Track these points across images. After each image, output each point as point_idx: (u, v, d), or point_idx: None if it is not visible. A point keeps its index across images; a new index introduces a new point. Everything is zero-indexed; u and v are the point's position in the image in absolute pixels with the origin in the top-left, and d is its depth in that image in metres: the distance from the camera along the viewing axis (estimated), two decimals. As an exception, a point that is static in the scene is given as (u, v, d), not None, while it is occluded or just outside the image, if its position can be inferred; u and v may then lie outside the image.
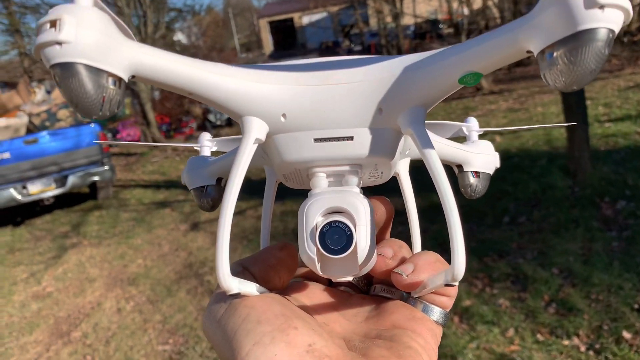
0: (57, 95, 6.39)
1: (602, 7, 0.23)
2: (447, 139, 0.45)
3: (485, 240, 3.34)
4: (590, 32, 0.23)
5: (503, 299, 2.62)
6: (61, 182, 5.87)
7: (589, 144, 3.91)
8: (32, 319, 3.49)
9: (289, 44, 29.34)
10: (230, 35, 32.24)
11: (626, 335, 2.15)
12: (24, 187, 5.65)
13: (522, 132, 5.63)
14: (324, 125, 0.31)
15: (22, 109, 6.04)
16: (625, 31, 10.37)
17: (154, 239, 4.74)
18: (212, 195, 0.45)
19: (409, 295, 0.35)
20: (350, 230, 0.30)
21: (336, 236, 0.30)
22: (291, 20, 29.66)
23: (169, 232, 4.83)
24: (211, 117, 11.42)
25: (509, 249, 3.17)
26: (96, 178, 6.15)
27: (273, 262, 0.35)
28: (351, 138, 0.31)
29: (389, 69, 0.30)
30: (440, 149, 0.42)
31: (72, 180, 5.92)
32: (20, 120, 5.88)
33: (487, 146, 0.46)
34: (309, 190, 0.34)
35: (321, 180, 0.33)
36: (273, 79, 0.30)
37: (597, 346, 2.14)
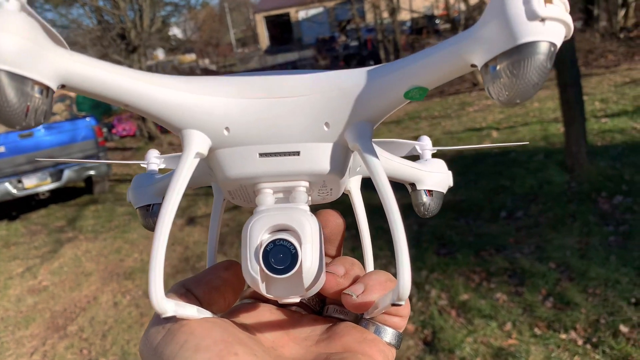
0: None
1: (543, 20, 0.23)
2: (401, 157, 0.44)
3: (482, 234, 3.34)
4: (532, 45, 0.23)
5: (500, 293, 2.62)
6: (57, 176, 5.85)
7: (586, 140, 3.91)
8: (28, 313, 3.48)
9: (285, 39, 29.25)
10: (226, 30, 32.13)
11: (623, 329, 2.16)
12: (20, 181, 5.62)
13: (520, 127, 5.64)
14: (269, 139, 0.30)
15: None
16: (622, 27, 10.39)
17: (150, 233, 4.61)
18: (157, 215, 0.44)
19: (362, 316, 0.35)
20: (295, 248, 0.29)
21: (280, 255, 0.29)
22: (287, 15, 29.57)
23: (165, 226, 4.81)
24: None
25: (506, 243, 3.18)
26: (92, 172, 6.14)
27: (217, 283, 0.33)
28: (297, 153, 0.30)
29: (335, 83, 0.30)
30: (393, 167, 0.42)
31: (67, 174, 5.90)
32: (15, 114, 5.82)
33: (441, 165, 0.45)
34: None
35: (267, 197, 0.32)
36: (215, 90, 0.29)
37: (595, 340, 2.14)
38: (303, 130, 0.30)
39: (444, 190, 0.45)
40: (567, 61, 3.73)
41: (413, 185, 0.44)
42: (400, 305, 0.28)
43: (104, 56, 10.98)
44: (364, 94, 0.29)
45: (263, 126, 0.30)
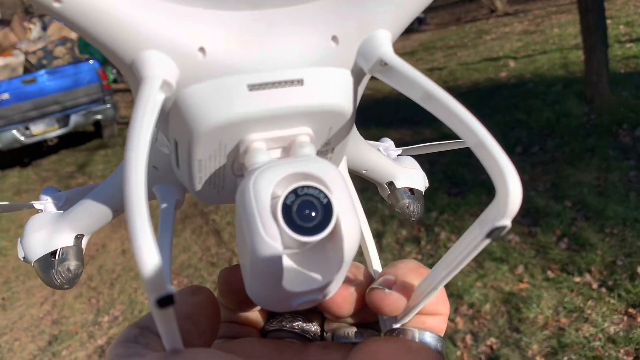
0: (53, 31, 6.17)
1: None
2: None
3: (495, 172, 3.21)
4: None
5: (513, 235, 2.52)
6: (64, 121, 5.78)
7: (607, 68, 3.68)
8: (39, 262, 3.49)
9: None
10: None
11: (641, 271, 2.06)
12: (27, 128, 5.57)
13: (538, 56, 5.36)
14: (260, 65, 0.20)
15: (17, 47, 5.86)
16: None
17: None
18: (69, 261, 0.32)
19: (389, 326, 0.26)
20: (326, 197, 0.20)
21: (306, 210, 0.20)
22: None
23: (173, 170, 4.77)
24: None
25: (520, 180, 3.05)
26: (99, 117, 6.04)
27: (187, 309, 0.23)
28: (301, 82, 0.21)
29: None
30: (375, 159, 0.35)
31: (74, 119, 5.83)
32: (16, 59, 5.71)
33: (413, 161, 0.39)
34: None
35: (260, 154, 0.21)
36: None
37: (610, 283, 2.05)
38: (305, 49, 0.21)
39: (423, 190, 0.39)
40: (589, -18, 3.45)
41: (391, 183, 0.37)
42: (507, 226, 0.19)
43: None
44: None
45: (252, 47, 0.20)
